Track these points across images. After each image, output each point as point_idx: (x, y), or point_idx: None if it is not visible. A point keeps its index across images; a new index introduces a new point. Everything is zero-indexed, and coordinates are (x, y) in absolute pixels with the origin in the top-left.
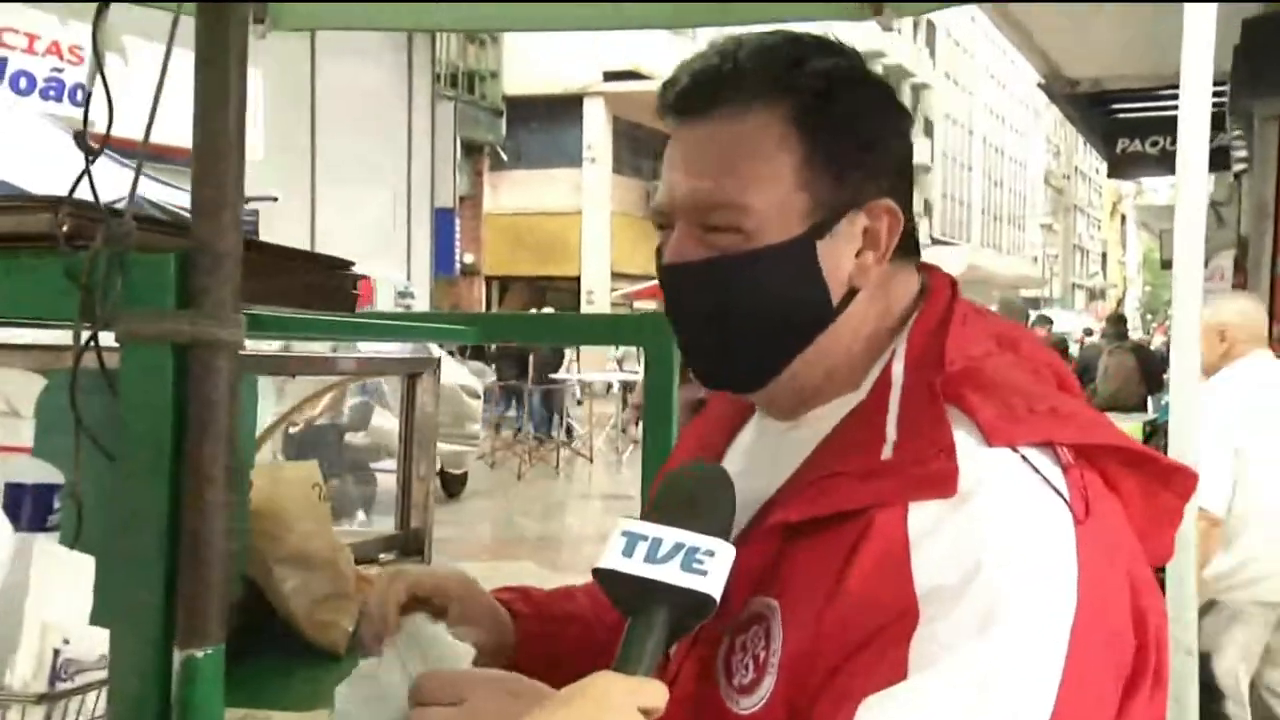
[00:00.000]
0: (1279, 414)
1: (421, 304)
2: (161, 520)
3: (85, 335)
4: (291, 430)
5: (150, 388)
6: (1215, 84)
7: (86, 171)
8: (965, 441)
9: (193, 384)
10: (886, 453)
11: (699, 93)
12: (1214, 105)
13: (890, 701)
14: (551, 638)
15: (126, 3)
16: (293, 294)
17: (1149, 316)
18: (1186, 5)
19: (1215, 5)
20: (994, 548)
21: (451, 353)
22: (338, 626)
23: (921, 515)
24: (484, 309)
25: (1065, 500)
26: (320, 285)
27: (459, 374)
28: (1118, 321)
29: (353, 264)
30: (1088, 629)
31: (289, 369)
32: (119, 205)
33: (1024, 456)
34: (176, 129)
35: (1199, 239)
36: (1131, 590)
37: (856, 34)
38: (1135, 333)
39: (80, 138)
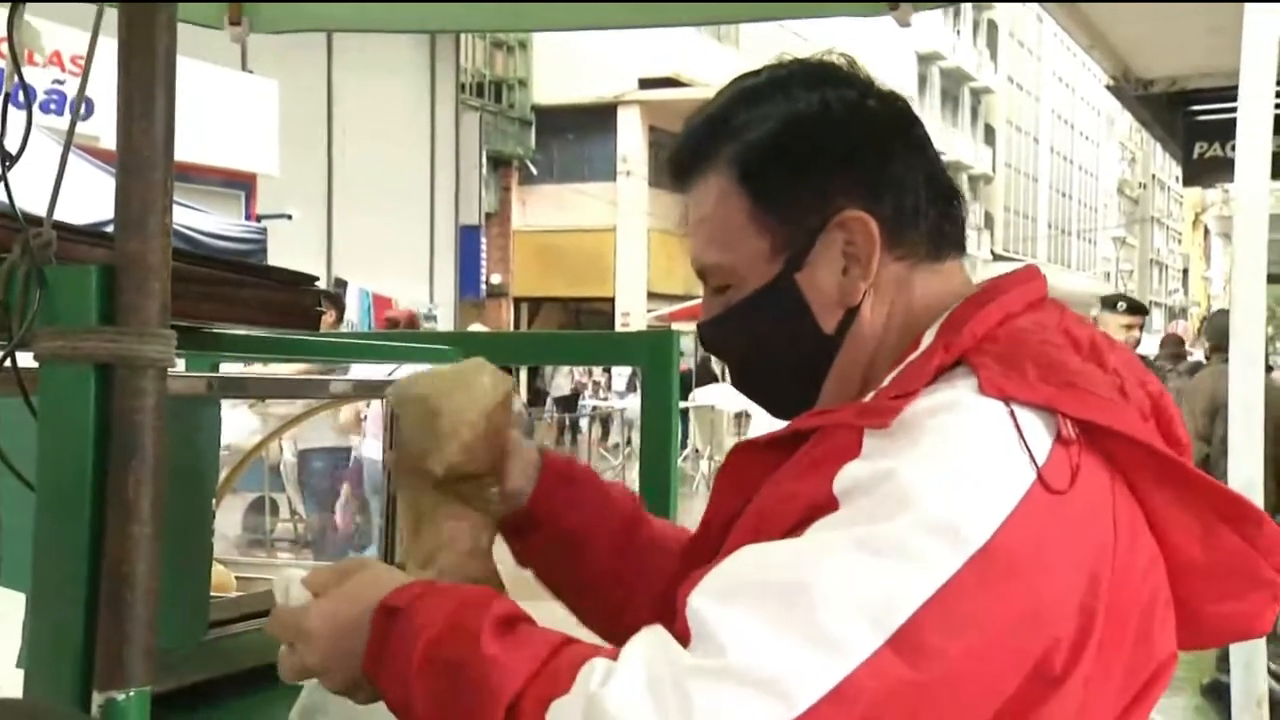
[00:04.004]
0: None
1: (445, 328)
2: (81, 555)
3: (1, 354)
4: None
5: (70, 411)
6: None
7: (3, 178)
8: (959, 390)
9: (116, 407)
10: (868, 397)
11: (673, 169)
12: None
13: (760, 548)
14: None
15: (43, 2)
16: (249, 312)
17: None
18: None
19: None
20: (918, 460)
21: None
22: None
23: (873, 438)
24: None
25: (1034, 462)
26: (280, 302)
27: None
28: (1175, 344)
29: (315, 279)
30: (985, 576)
31: (258, 393)
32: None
33: (1012, 411)
34: (196, 146)
35: (1260, 253)
36: (1088, 588)
37: (912, 37)
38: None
39: None
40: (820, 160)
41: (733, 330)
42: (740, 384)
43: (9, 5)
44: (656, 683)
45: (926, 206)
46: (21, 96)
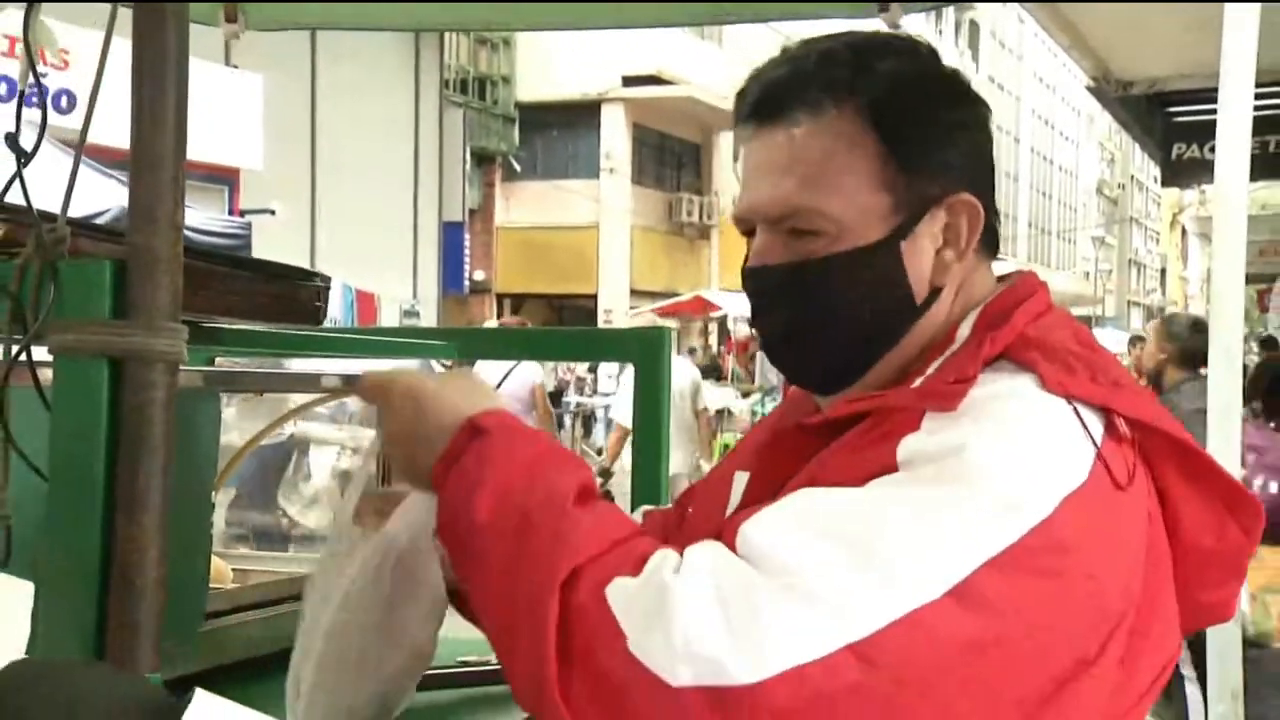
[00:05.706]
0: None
1: (428, 323)
2: (91, 544)
3: (16, 347)
4: None
5: (83, 404)
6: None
7: (19, 174)
8: (1019, 383)
9: (126, 399)
10: (916, 384)
11: (772, 100)
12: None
13: (819, 491)
14: None
15: (58, 2)
16: (251, 307)
17: None
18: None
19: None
20: (986, 437)
21: None
22: None
23: (935, 418)
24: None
25: (1100, 453)
26: (281, 297)
27: None
28: (1140, 343)
29: (316, 274)
30: (1042, 550)
31: (253, 386)
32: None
33: (1076, 409)
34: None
35: (1239, 254)
36: (1129, 575)
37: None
38: None
39: (11, 139)
40: (953, 131)
41: (811, 281)
42: (784, 341)
43: (23, 6)
44: (723, 589)
45: (993, 202)
46: (37, 96)
